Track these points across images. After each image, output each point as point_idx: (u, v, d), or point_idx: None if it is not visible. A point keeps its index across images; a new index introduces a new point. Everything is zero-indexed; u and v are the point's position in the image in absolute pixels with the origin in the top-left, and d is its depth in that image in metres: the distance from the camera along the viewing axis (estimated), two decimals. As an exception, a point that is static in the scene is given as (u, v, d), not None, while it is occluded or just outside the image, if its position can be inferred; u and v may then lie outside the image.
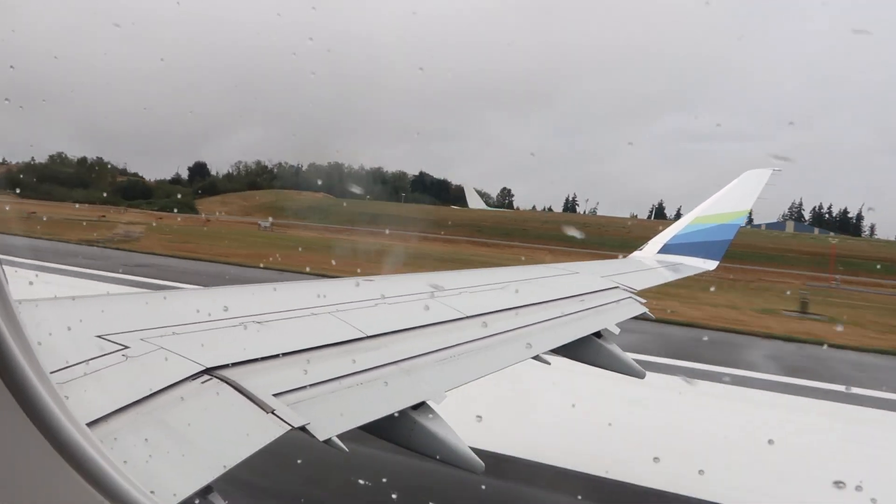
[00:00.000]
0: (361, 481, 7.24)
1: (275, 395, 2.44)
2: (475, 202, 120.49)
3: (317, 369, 2.80)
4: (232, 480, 2.03)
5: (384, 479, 7.33)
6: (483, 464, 3.07)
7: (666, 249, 9.38)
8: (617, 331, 5.33)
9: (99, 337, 2.37)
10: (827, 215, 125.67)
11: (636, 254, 9.52)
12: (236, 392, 2.35)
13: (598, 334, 5.14)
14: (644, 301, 6.42)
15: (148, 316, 2.80)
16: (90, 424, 1.80)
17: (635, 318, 6.07)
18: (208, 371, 2.39)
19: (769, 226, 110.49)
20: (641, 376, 5.25)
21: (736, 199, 9.67)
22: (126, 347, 2.34)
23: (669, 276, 8.36)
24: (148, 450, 1.90)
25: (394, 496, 6.83)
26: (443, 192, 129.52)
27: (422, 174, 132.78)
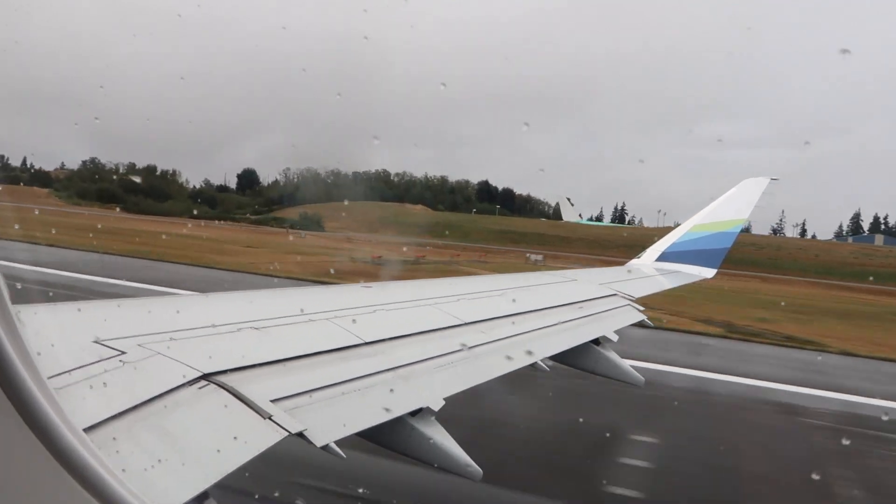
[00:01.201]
0: (358, 488, 7.21)
1: (272, 401, 2.43)
2: (570, 215, 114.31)
3: (314, 375, 2.80)
4: (228, 486, 2.02)
5: (381, 487, 7.30)
6: (481, 471, 3.06)
7: (664, 257, 9.38)
8: (615, 338, 5.32)
9: (96, 342, 2.37)
10: (883, 225, 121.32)
11: (634, 261, 9.52)
12: (234, 398, 2.35)
13: (596, 342, 5.14)
14: (643, 308, 6.42)
15: (146, 322, 2.80)
16: (87, 430, 1.80)
17: (633, 325, 6.06)
18: (206, 377, 2.39)
19: (856, 239, 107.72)
20: (640, 384, 5.24)
21: (734, 207, 9.69)
22: (123, 353, 2.34)
23: (667, 284, 8.36)
24: (145, 455, 1.89)
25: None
26: (508, 202, 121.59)
27: (486, 183, 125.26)
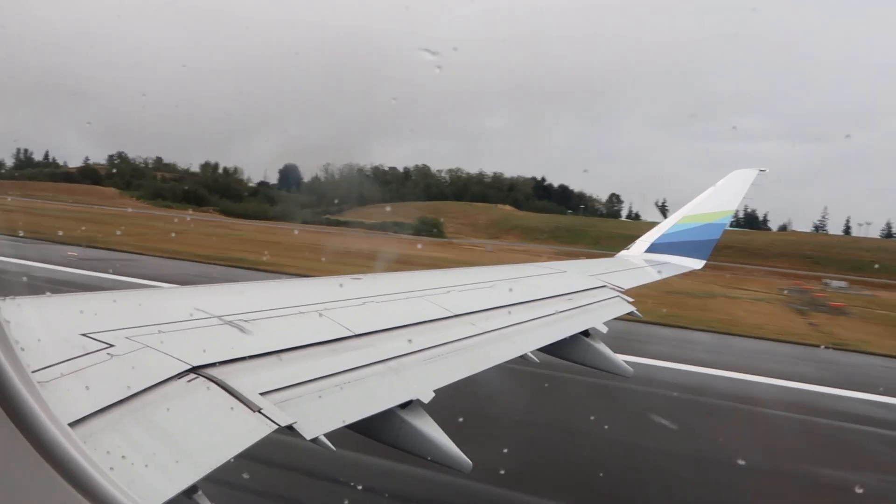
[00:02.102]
0: (348, 481, 7.23)
1: (261, 393, 2.43)
2: (652, 215, 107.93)
3: (304, 368, 2.79)
4: (218, 480, 2.01)
5: (371, 479, 7.32)
6: (471, 463, 3.07)
7: (653, 248, 9.43)
8: (605, 329, 5.35)
9: (83, 335, 2.35)
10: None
11: (623, 253, 9.56)
12: (223, 391, 2.34)
13: (585, 333, 5.16)
14: (631, 300, 6.45)
15: (133, 314, 2.78)
16: (74, 424, 1.78)
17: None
18: (194, 370, 2.38)
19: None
20: (628, 375, 5.28)
21: (723, 198, 9.74)
22: (111, 346, 2.32)
23: (656, 276, 8.40)
24: (133, 449, 1.88)
25: (382, 496, 6.82)
26: (564, 199, 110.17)
27: (542, 180, 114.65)
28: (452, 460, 3.03)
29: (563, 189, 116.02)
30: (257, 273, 26.42)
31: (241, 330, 2.93)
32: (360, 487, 7.23)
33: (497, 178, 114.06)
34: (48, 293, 2.81)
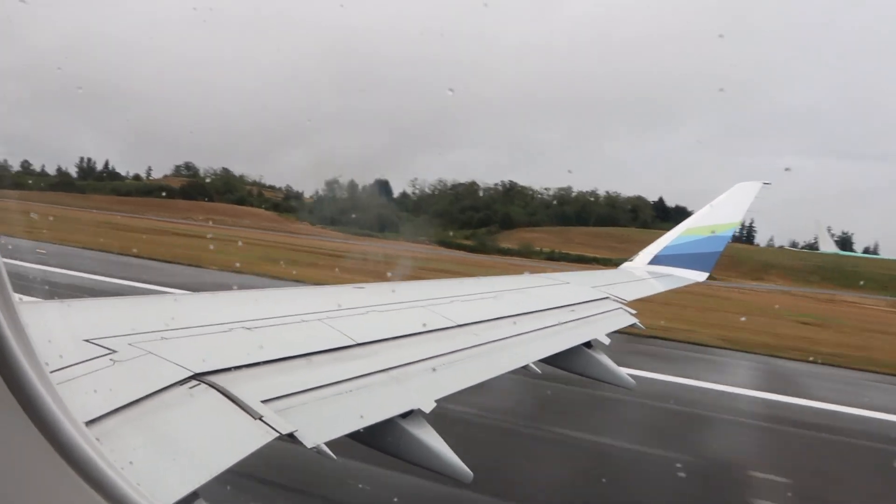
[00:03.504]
0: (349, 489, 7.21)
1: (263, 401, 2.43)
2: (827, 245, 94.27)
3: (306, 376, 2.79)
4: (218, 487, 2.01)
5: (371, 488, 7.29)
6: (472, 473, 3.06)
7: (657, 260, 9.42)
8: (607, 341, 5.34)
9: (86, 341, 2.36)
10: None
11: (627, 264, 9.56)
12: (224, 398, 2.34)
13: (588, 344, 5.15)
14: (634, 312, 6.44)
15: (137, 320, 2.79)
16: None
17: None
18: (196, 376, 2.38)
19: None
20: (631, 387, 5.26)
21: (727, 211, 9.74)
22: (114, 352, 2.33)
23: (660, 288, 8.39)
24: (134, 455, 1.89)
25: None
26: (681, 219, 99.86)
27: (661, 200, 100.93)
28: (453, 470, 3.02)
29: (680, 210, 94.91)
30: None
31: (244, 338, 2.94)
32: (360, 496, 7.20)
33: (612, 198, 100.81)
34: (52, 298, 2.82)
